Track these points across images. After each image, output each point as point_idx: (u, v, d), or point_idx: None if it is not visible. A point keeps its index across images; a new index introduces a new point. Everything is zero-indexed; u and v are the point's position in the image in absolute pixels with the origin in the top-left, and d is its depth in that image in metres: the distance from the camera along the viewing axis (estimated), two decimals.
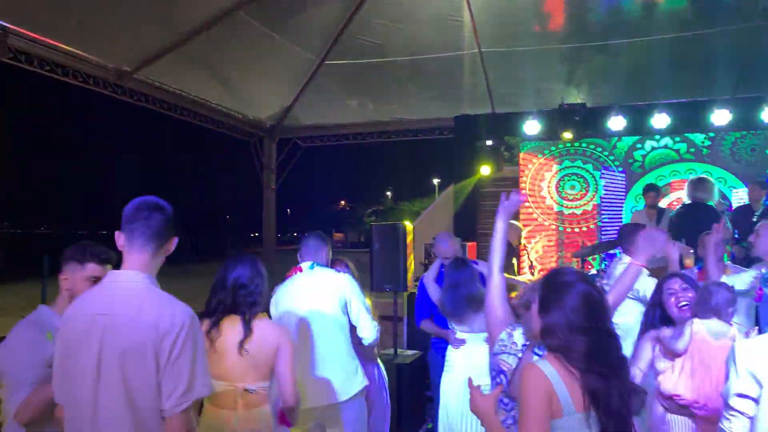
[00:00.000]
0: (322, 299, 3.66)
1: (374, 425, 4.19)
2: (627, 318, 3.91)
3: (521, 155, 9.06)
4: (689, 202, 6.68)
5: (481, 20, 7.26)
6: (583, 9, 7.04)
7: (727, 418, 2.20)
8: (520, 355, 2.39)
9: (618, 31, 7.26)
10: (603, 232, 8.48)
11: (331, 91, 8.64)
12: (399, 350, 5.96)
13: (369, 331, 3.72)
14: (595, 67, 7.96)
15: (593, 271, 6.87)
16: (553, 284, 2.11)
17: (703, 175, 7.45)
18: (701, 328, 3.19)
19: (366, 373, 3.85)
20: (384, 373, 4.47)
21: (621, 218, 8.35)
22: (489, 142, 8.73)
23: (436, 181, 39.58)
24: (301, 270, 3.78)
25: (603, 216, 8.56)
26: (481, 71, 8.10)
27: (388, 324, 6.50)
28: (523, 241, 8.30)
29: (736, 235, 6.67)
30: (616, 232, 8.24)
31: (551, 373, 1.96)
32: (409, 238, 6.01)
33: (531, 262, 8.45)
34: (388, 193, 51.55)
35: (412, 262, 7.42)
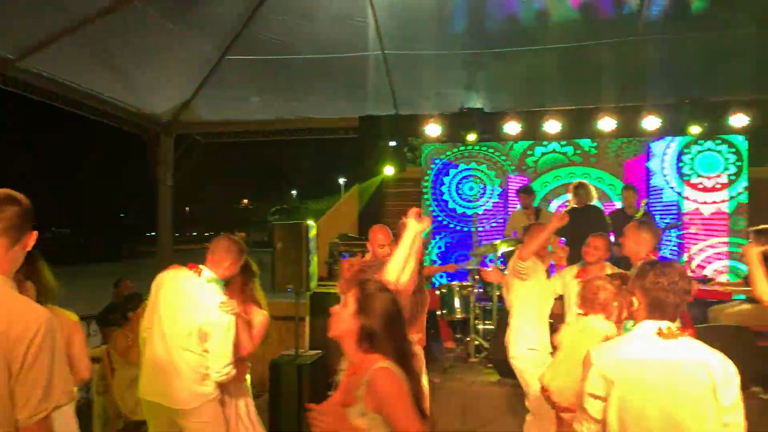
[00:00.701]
0: (198, 315, 3.57)
1: None
2: None
3: (424, 156, 9.25)
4: (574, 205, 7.10)
5: (385, 22, 7.36)
6: (481, 16, 7.29)
7: (580, 422, 2.31)
8: None
9: (514, 39, 7.58)
10: (499, 232, 8.82)
11: (234, 87, 8.45)
12: (300, 350, 5.92)
13: (214, 371, 3.58)
14: (492, 73, 8.27)
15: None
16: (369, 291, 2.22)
17: (583, 180, 7.93)
18: (574, 322, 3.41)
19: (231, 405, 3.84)
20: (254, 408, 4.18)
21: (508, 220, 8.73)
22: (393, 143, 8.86)
23: (341, 180, 39.64)
24: (199, 273, 3.68)
25: (498, 216, 8.91)
26: (385, 73, 8.20)
27: (290, 324, 6.46)
28: (424, 237, 8.49)
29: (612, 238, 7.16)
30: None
31: (401, 372, 2.10)
32: (312, 233, 5.98)
33: (431, 260, 8.66)
34: (293, 192, 51.10)
35: (316, 261, 7.40)
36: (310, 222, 6.14)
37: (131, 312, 4.99)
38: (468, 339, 6.66)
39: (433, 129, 8.29)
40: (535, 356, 4.47)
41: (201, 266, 3.71)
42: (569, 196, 7.55)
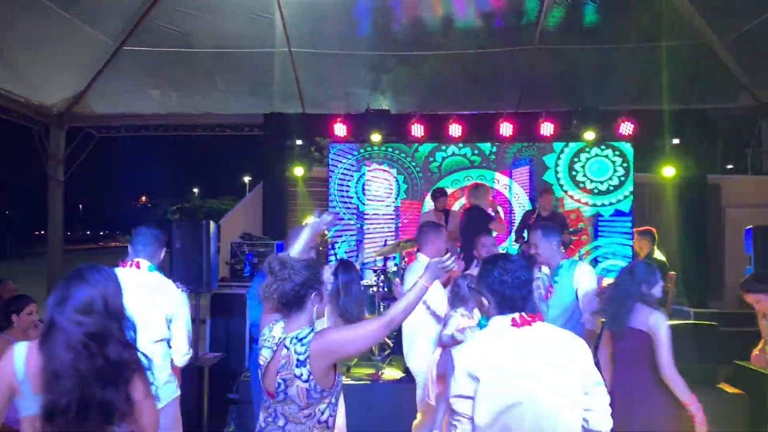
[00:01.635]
0: (154, 306, 3.52)
1: None
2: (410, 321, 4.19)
3: (331, 156, 9.24)
4: (469, 206, 7.33)
5: (292, 20, 7.30)
6: (388, 19, 7.38)
7: (453, 424, 2.35)
8: (274, 348, 2.45)
9: (419, 44, 7.74)
10: (403, 232, 8.97)
11: (131, 79, 8.09)
12: (201, 353, 5.75)
13: (181, 355, 3.67)
14: (398, 76, 8.40)
15: (393, 268, 7.24)
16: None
17: (479, 182, 8.19)
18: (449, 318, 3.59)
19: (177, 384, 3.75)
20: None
21: (419, 220, 8.90)
22: (299, 142, 8.80)
23: (246, 178, 38.76)
24: (138, 267, 3.57)
25: (404, 217, 9.06)
26: (292, 70, 8.13)
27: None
28: (330, 237, 8.49)
29: (524, 236, 7.47)
30: (415, 231, 8.82)
31: None
32: (213, 232, 5.82)
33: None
34: (195, 190, 49.53)
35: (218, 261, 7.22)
36: (212, 221, 5.99)
37: (14, 314, 4.65)
38: None
39: (340, 129, 8.30)
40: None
41: (136, 259, 3.60)
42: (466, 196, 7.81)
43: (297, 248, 2.96)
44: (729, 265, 8.31)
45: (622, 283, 3.56)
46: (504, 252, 2.79)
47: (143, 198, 64.69)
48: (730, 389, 5.00)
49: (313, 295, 2.51)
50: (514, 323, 2.33)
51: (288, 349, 2.40)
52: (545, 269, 4.34)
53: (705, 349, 5.11)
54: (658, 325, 3.42)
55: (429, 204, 8.65)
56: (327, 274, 4.24)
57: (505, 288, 2.36)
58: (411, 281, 4.84)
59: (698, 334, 5.35)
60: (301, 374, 2.36)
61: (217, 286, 6.35)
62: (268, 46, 7.65)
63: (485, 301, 2.44)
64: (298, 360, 2.37)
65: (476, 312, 3.60)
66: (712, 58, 7.76)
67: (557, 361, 2.30)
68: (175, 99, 8.59)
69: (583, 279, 4.15)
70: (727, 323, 5.92)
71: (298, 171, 8.83)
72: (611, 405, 2.42)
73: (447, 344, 3.57)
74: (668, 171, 8.42)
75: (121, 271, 3.50)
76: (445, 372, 3.48)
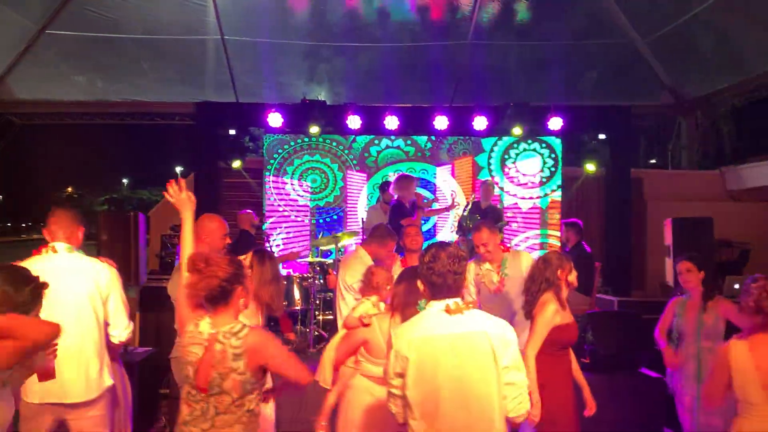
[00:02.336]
0: (81, 287, 3.34)
1: (117, 425, 3.89)
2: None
3: (266, 146, 9.11)
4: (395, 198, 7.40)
5: (225, 7, 7.16)
6: (323, 9, 7.35)
7: (388, 400, 2.49)
8: (205, 344, 2.48)
9: (356, 35, 7.74)
10: (341, 224, 8.95)
11: (54, 65, 7.75)
12: (130, 348, 5.59)
13: (122, 330, 3.53)
14: (335, 67, 8.38)
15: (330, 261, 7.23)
16: None
17: (405, 173, 8.27)
18: (356, 304, 3.67)
19: (112, 372, 3.58)
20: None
21: (356, 212, 8.91)
22: (232, 132, 8.61)
23: (178, 169, 37.74)
24: (55, 250, 3.37)
25: (340, 210, 9.04)
26: (225, 59, 7.98)
27: None
28: (265, 228, 8.39)
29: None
30: (353, 223, 8.84)
31: None
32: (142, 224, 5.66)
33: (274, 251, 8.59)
34: (125, 180, 47.83)
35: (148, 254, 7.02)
36: (141, 212, 5.82)
37: None
38: (308, 330, 6.70)
39: (275, 119, 8.20)
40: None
41: (51, 244, 3.41)
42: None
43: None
44: (651, 255, 8.70)
45: (537, 271, 3.68)
46: (441, 241, 2.87)
47: (69, 189, 62.00)
48: (650, 373, 5.27)
49: (238, 289, 2.55)
50: (448, 310, 2.43)
51: (222, 343, 2.45)
52: (487, 265, 4.44)
53: (628, 336, 5.38)
54: (542, 308, 3.52)
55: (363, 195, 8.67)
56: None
57: (433, 275, 2.45)
58: (344, 274, 4.86)
59: (621, 322, 5.63)
60: (238, 367, 2.43)
61: (147, 279, 6.18)
62: (200, 34, 7.49)
63: (421, 286, 2.53)
64: (234, 354, 2.43)
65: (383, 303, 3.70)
66: (637, 58, 8.10)
67: (484, 347, 2.40)
68: (101, 86, 8.28)
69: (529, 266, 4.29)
70: (649, 311, 6.21)
71: (230, 161, 8.64)
72: None
73: (351, 326, 3.61)
74: (594, 165, 8.74)
75: (35, 259, 3.34)
76: (342, 356, 3.55)
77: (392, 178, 8.17)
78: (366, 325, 3.41)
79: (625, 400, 5.12)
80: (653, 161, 10.28)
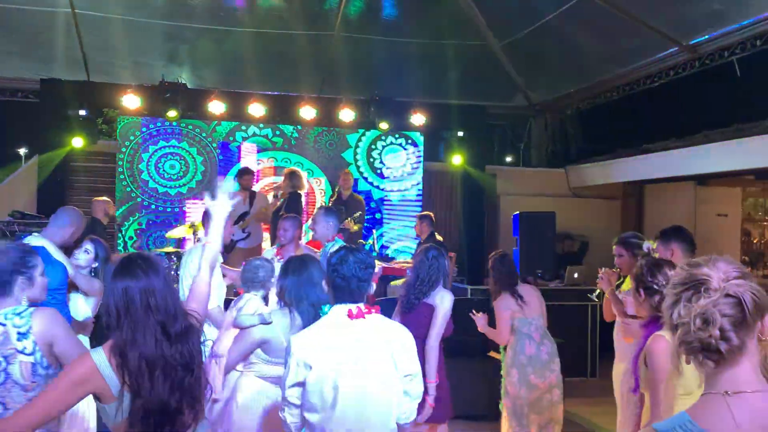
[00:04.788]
0: None
1: None
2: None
3: (120, 130, 8.58)
4: (291, 191, 7.34)
5: None
6: None
7: (282, 408, 2.48)
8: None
9: (222, 18, 7.49)
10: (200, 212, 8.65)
11: None
12: None
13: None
14: (198, 49, 8.06)
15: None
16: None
17: (295, 168, 8.24)
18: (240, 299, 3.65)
19: None
20: None
21: None
22: (83, 112, 8.01)
23: (22, 150, 34.41)
24: None
25: (202, 198, 8.73)
26: (75, 34, 7.40)
27: None
28: (117, 217, 7.93)
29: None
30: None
31: None
32: None
33: (126, 241, 8.15)
34: None
35: None
36: None
37: None
38: None
39: (131, 100, 7.75)
40: None
41: None
42: (279, 180, 7.80)
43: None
44: (502, 246, 9.25)
45: (420, 264, 3.90)
46: (352, 246, 2.84)
47: None
48: (497, 356, 5.62)
49: (19, 280, 2.45)
50: (350, 314, 2.43)
51: (4, 325, 2.32)
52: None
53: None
54: (443, 300, 3.84)
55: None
56: (82, 257, 4.01)
57: (338, 279, 2.46)
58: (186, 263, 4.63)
59: (474, 309, 5.94)
60: (24, 347, 2.30)
61: None
62: (48, 5, 6.89)
63: (325, 287, 2.56)
64: (18, 333, 2.31)
65: (272, 297, 3.64)
66: (493, 60, 8.55)
67: (384, 354, 2.44)
68: None
69: None
70: None
71: (80, 143, 8.04)
72: None
73: (244, 325, 3.50)
74: (454, 160, 9.15)
75: None
76: (235, 360, 3.45)
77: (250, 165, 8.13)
78: (254, 326, 3.31)
79: (476, 381, 5.48)
80: (509, 159, 10.91)
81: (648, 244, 3.81)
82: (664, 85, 7.61)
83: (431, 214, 7.23)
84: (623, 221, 9.38)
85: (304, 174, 7.69)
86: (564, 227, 8.56)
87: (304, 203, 7.94)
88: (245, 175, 7.58)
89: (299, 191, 7.50)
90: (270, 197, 8.25)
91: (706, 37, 6.56)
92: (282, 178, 7.68)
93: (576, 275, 7.34)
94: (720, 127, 7.23)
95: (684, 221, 8.74)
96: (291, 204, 7.12)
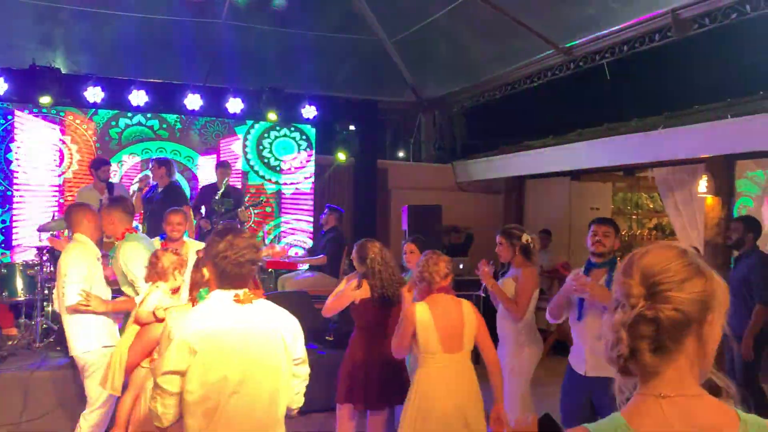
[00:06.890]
0: None
1: None
2: None
3: None
4: (170, 182, 7.06)
5: None
6: None
7: (154, 398, 2.28)
8: None
9: (100, 1, 7.10)
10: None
11: None
12: None
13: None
14: (75, 32, 7.59)
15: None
16: None
17: (168, 157, 7.93)
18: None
19: None
20: None
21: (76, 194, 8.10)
22: None
23: None
24: None
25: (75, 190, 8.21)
26: None
27: None
28: None
29: (202, 211, 7.42)
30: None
31: None
32: None
33: None
34: None
35: None
36: None
37: None
38: (33, 323, 6.00)
39: None
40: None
41: None
42: (149, 172, 7.48)
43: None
44: (393, 238, 9.44)
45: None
46: (234, 226, 2.74)
47: None
48: None
49: None
50: (237, 300, 2.34)
51: None
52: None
53: None
54: None
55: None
56: None
57: (226, 264, 2.34)
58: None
59: None
60: None
61: None
62: None
63: (206, 273, 2.42)
64: None
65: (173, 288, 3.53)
66: (385, 56, 8.67)
67: (276, 342, 2.39)
68: None
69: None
70: None
71: None
72: None
73: (145, 322, 3.36)
74: (345, 154, 9.18)
75: None
76: (141, 357, 3.31)
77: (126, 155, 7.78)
78: (161, 320, 3.17)
79: None
80: (401, 154, 11.12)
81: (527, 236, 4.25)
82: (543, 86, 8.05)
83: (341, 209, 7.53)
84: (506, 214, 9.83)
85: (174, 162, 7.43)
86: (451, 220, 8.85)
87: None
88: (101, 165, 7.17)
89: (175, 181, 7.32)
90: (133, 188, 7.82)
91: (581, 40, 7.00)
92: (150, 168, 7.41)
93: (461, 266, 7.61)
94: (592, 126, 7.77)
95: (560, 214, 9.35)
96: (171, 195, 6.85)
